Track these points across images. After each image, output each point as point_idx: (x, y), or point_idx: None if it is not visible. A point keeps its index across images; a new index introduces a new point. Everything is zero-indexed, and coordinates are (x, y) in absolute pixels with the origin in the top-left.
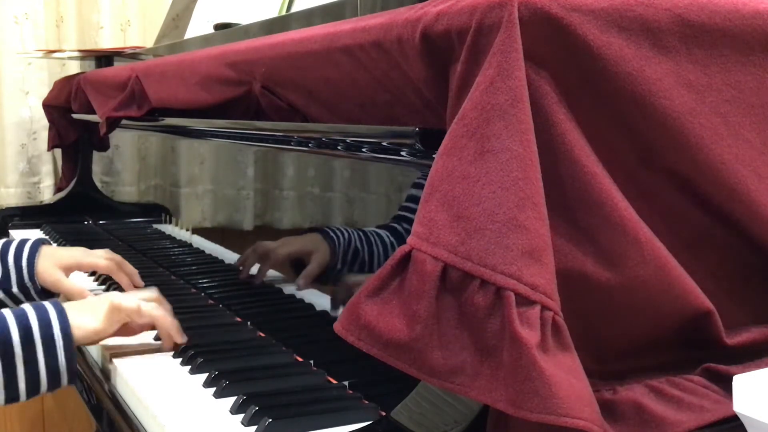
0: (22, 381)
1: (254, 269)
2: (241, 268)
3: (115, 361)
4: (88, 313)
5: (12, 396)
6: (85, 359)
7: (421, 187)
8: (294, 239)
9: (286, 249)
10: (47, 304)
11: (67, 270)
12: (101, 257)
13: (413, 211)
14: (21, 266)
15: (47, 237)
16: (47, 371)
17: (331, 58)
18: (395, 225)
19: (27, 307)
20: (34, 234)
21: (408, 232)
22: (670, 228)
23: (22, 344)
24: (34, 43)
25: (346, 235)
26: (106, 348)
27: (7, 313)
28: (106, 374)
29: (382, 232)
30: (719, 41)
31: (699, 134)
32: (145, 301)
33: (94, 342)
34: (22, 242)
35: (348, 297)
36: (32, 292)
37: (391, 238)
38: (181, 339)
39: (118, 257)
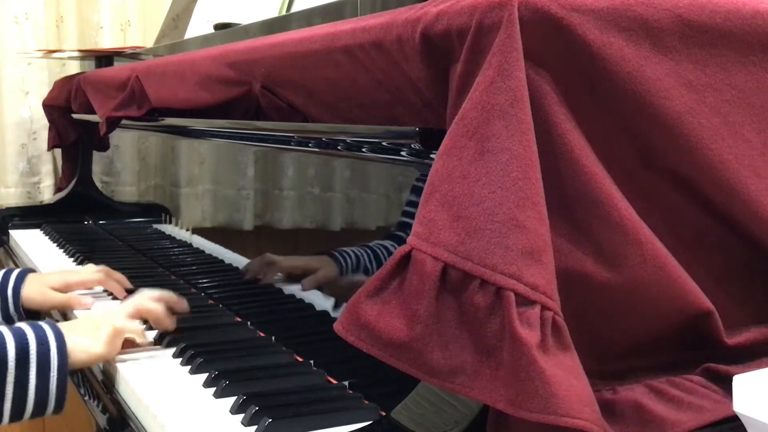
0: (8, 401)
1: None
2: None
3: (116, 361)
4: (88, 337)
5: None
6: None
7: (421, 193)
8: (302, 257)
9: (292, 263)
10: (44, 325)
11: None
12: (89, 273)
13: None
14: (6, 296)
15: (47, 237)
16: (36, 394)
17: (331, 58)
18: (401, 234)
19: (25, 326)
20: (35, 234)
21: None
22: (670, 228)
23: (17, 363)
24: (34, 43)
25: (353, 257)
26: None
27: (4, 330)
28: (107, 374)
29: (388, 244)
30: (719, 41)
31: (699, 134)
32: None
33: (93, 364)
34: (8, 272)
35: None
36: (16, 321)
37: None
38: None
39: (105, 268)
